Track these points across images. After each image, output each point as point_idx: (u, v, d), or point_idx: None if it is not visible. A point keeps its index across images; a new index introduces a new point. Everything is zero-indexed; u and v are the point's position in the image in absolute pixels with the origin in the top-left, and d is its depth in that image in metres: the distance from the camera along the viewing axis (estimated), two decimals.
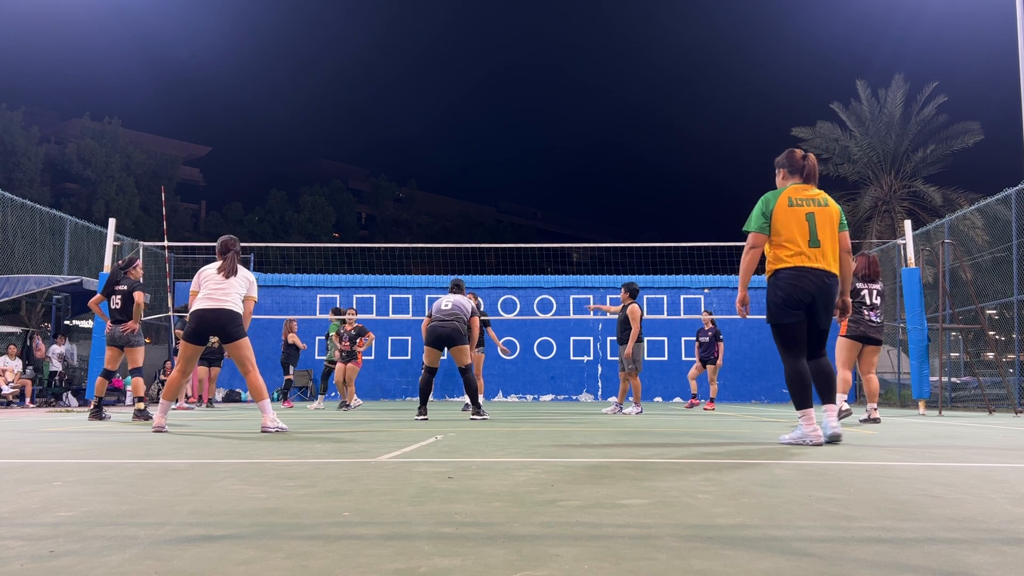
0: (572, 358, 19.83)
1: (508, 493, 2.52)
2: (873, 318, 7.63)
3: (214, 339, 7.18)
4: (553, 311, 19.83)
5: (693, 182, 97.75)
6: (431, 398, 10.77)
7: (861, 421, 7.46)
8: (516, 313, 19.70)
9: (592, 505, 2.28)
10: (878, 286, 7.75)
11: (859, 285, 7.72)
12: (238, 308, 5.89)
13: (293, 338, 13.06)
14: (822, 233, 4.62)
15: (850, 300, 5.03)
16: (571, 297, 20.02)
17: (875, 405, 7.65)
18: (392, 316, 19.29)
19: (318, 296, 19.52)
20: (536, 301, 19.95)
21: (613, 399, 15.48)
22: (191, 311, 5.91)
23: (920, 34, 66.76)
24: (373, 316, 19.49)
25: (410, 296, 19.63)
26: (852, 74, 57.55)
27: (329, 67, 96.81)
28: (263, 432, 5.51)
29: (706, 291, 19.37)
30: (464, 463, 3.48)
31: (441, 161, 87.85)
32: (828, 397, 4.72)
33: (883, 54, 63.33)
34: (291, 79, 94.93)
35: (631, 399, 10.67)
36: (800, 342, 4.64)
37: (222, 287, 5.86)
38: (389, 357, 19.49)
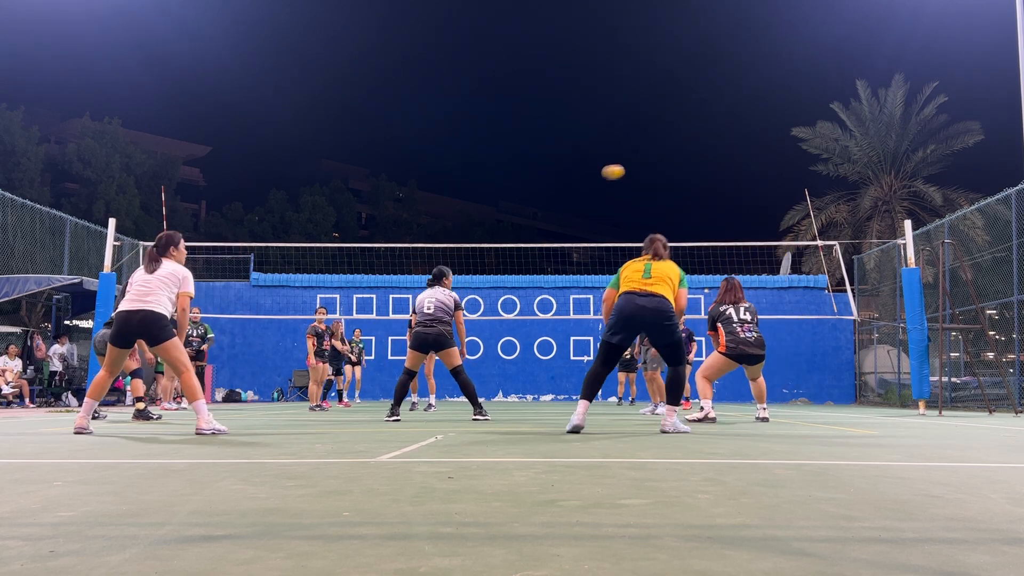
0: (572, 358, 19.83)
1: (508, 493, 2.52)
2: (747, 334, 7.56)
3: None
4: (553, 311, 19.83)
5: (693, 183, 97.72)
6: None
7: (757, 419, 7.78)
8: (516, 313, 19.70)
9: (592, 505, 2.28)
10: (746, 303, 7.79)
11: (723, 308, 7.72)
12: (162, 309, 5.51)
13: (334, 340, 12.20)
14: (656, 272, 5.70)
15: None
16: (571, 297, 20.03)
17: (764, 405, 7.85)
18: (392, 316, 19.29)
19: (318, 296, 19.51)
20: (536, 301, 19.96)
21: (647, 404, 15.44)
22: (115, 312, 5.63)
23: (920, 34, 66.85)
24: (373, 316, 19.51)
25: (410, 296, 19.62)
26: (852, 74, 57.63)
27: (329, 67, 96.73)
28: (197, 434, 5.26)
29: (706, 291, 19.36)
30: (464, 463, 3.48)
31: (441, 161, 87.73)
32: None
33: (883, 54, 63.37)
34: (291, 79, 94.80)
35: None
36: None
37: (146, 286, 5.52)
38: (389, 357, 19.50)
